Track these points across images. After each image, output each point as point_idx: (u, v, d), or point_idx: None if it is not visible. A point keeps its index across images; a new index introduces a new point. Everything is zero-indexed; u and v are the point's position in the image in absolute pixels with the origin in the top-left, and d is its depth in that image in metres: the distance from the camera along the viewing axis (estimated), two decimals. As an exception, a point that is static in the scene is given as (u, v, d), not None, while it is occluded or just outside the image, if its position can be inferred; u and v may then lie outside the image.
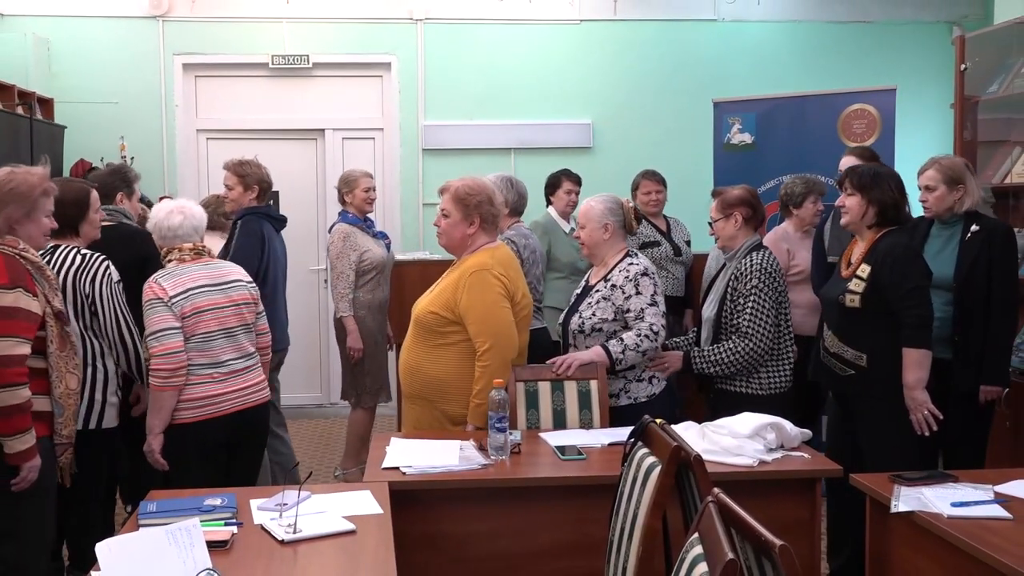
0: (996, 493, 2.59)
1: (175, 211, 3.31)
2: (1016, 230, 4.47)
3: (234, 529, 2.33)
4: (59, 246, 3.28)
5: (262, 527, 2.38)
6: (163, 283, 3.15)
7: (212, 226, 4.53)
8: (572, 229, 5.35)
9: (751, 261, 3.54)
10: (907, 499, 2.57)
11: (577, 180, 5.34)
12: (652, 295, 3.48)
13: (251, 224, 4.43)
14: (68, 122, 6.62)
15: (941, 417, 3.25)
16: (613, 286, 3.51)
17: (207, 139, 7.17)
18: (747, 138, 5.65)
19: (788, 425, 3.02)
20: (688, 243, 5.25)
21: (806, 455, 2.99)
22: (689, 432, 3.00)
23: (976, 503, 2.51)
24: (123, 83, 6.89)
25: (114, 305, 3.29)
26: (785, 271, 4.30)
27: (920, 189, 3.72)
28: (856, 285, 3.30)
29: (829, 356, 3.46)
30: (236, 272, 3.41)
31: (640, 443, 2.41)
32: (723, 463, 2.86)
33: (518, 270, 3.52)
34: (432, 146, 7.11)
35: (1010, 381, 3.94)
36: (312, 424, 6.73)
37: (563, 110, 7.16)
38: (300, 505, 2.45)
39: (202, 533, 2.03)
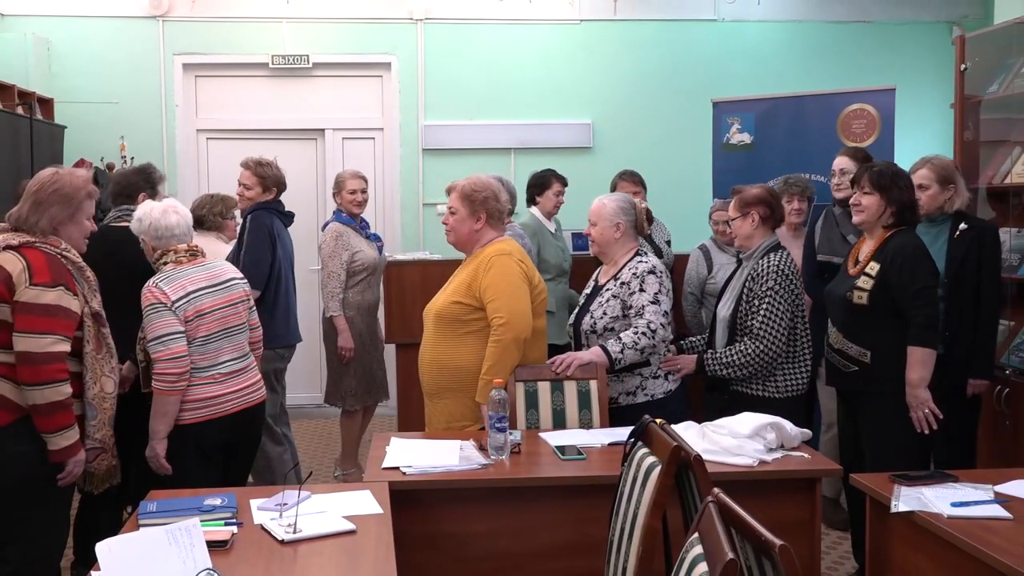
0: (996, 493, 2.59)
1: (169, 210, 3.25)
2: (1016, 230, 4.49)
3: (234, 529, 2.33)
4: None
5: (262, 527, 2.38)
6: (164, 287, 3.10)
7: (209, 226, 4.54)
8: (557, 229, 5.36)
9: (768, 262, 3.53)
10: (907, 499, 2.57)
11: (564, 182, 5.33)
12: (655, 293, 3.48)
13: (261, 219, 4.46)
14: (68, 122, 6.62)
15: (941, 416, 3.27)
16: (622, 284, 3.53)
17: (207, 139, 7.17)
18: (746, 138, 5.64)
19: (788, 425, 3.02)
20: (668, 243, 5.23)
21: (806, 455, 2.99)
22: (689, 432, 3.00)
23: (976, 503, 2.51)
24: (123, 83, 6.90)
25: None
26: None
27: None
28: (864, 283, 3.33)
29: (833, 352, 3.48)
30: (230, 270, 3.39)
31: (640, 443, 2.41)
32: (723, 463, 2.86)
33: (530, 260, 3.60)
34: (432, 146, 7.11)
35: (1002, 377, 4.05)
36: (312, 424, 6.73)
37: (563, 110, 7.16)
38: (300, 505, 2.45)
39: (202, 533, 2.04)
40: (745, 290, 3.56)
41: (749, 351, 3.48)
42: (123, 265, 3.40)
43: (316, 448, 6.15)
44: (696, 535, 1.67)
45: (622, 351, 3.41)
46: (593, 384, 3.44)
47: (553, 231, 5.24)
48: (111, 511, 3.65)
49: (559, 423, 3.41)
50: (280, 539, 2.29)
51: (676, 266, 5.16)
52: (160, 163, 6.82)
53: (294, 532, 2.31)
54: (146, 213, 3.25)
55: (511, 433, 3.02)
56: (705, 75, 7.04)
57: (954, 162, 3.91)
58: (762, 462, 2.88)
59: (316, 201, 7.15)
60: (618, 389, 3.53)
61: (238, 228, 4.78)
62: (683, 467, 2.21)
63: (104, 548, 1.91)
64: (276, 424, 4.59)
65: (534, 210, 5.27)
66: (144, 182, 3.91)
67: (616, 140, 7.12)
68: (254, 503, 2.55)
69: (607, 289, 3.59)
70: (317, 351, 7.15)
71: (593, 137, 7.15)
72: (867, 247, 3.46)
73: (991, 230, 3.83)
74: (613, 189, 5.25)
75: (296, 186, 7.09)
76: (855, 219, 3.46)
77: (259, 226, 4.44)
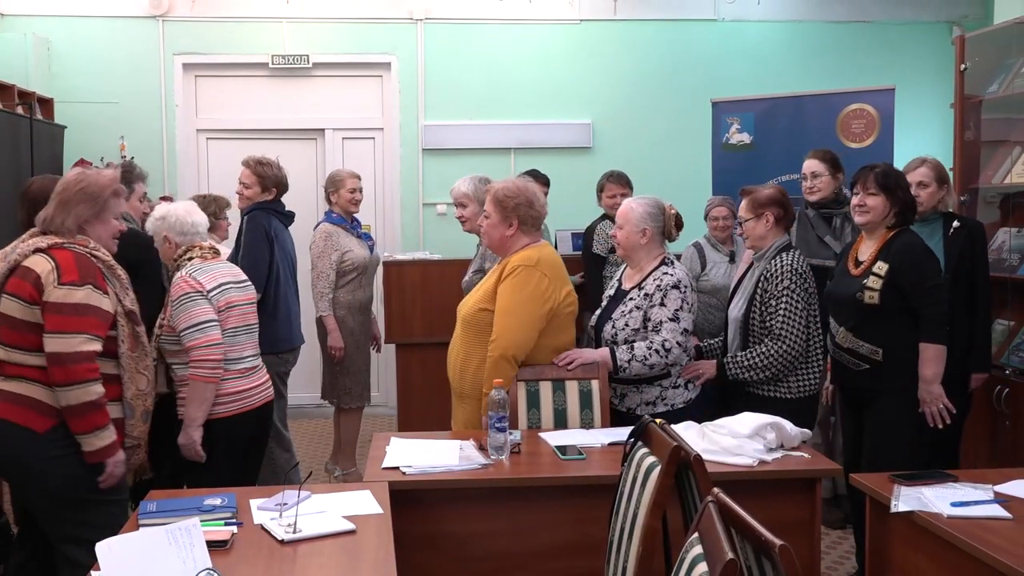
0: (996, 493, 2.59)
1: (192, 210, 3.40)
2: (1016, 230, 4.50)
3: (234, 529, 2.33)
4: None
5: (262, 527, 2.38)
6: (198, 277, 3.21)
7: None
8: (543, 230, 5.34)
9: (781, 262, 3.53)
10: (907, 499, 2.57)
11: (546, 182, 5.31)
12: (676, 310, 3.44)
13: (257, 220, 4.45)
14: (68, 122, 6.62)
15: (954, 411, 3.36)
16: (646, 295, 3.50)
17: (207, 139, 7.17)
18: (746, 138, 5.64)
19: (788, 425, 3.02)
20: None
21: (806, 455, 2.99)
22: (689, 432, 3.00)
23: (976, 503, 2.51)
24: (123, 83, 6.89)
25: None
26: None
27: (912, 185, 3.77)
28: (874, 282, 3.36)
29: (842, 352, 3.49)
30: (243, 272, 3.52)
31: (640, 443, 2.41)
32: (723, 463, 2.86)
33: (562, 267, 3.53)
34: (432, 146, 7.11)
35: (1002, 377, 4.13)
36: (312, 424, 6.74)
37: (563, 110, 7.16)
38: (300, 505, 2.45)
39: (202, 533, 2.04)
40: (759, 290, 3.56)
41: (772, 352, 3.48)
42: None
43: (316, 448, 6.15)
44: (696, 535, 1.67)
45: (629, 361, 3.39)
46: (594, 384, 3.43)
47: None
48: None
49: (560, 423, 3.41)
50: (280, 539, 2.30)
51: None
52: (160, 163, 6.88)
53: (294, 532, 2.31)
54: (170, 211, 3.38)
55: (511, 433, 3.02)
56: (705, 75, 7.04)
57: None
58: (762, 462, 2.88)
59: (316, 201, 7.13)
60: (637, 399, 3.50)
61: (230, 228, 4.79)
62: (683, 467, 2.21)
63: (104, 548, 1.92)
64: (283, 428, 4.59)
65: None
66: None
67: (616, 140, 7.12)
68: (254, 503, 2.55)
69: (631, 298, 3.54)
70: (317, 351, 7.13)
71: (593, 137, 7.15)
72: (867, 247, 3.48)
73: (980, 227, 3.97)
74: (600, 190, 5.24)
75: (296, 186, 7.04)
76: (859, 220, 3.48)
77: (256, 227, 4.43)
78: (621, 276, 3.72)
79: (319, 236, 5.06)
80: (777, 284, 3.50)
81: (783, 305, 3.48)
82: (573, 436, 3.21)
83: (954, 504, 2.50)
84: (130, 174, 4.02)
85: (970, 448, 4.19)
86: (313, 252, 5.06)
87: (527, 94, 7.13)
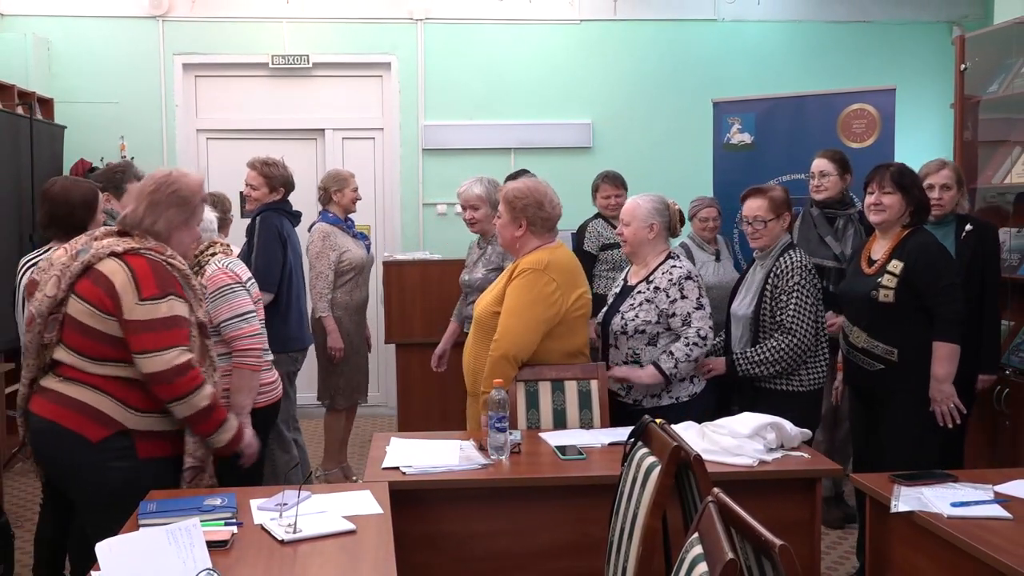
0: (996, 493, 2.59)
1: (207, 208, 3.39)
2: (1016, 230, 4.50)
3: (234, 529, 2.33)
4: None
5: (262, 527, 2.38)
6: (234, 269, 3.21)
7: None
8: None
9: (790, 259, 3.57)
10: (907, 499, 2.57)
11: None
12: (697, 298, 3.49)
13: (270, 220, 4.47)
14: (68, 122, 6.62)
15: (965, 411, 3.37)
16: (656, 288, 3.52)
17: (207, 139, 7.17)
18: (746, 138, 5.64)
19: (788, 425, 3.02)
20: None
21: (806, 455, 2.99)
22: (689, 432, 3.00)
23: (976, 503, 2.51)
24: (123, 83, 6.89)
25: None
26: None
27: (936, 188, 3.81)
28: (889, 281, 3.38)
29: (855, 352, 3.51)
30: (256, 273, 3.58)
31: (640, 443, 2.41)
32: (723, 463, 2.86)
33: (575, 270, 3.52)
34: (432, 146, 7.11)
35: (1002, 377, 4.12)
36: (312, 424, 6.72)
37: (563, 110, 7.16)
38: (300, 505, 2.45)
39: (202, 533, 2.04)
40: (768, 287, 3.58)
41: (782, 346, 3.50)
42: None
43: (316, 448, 6.13)
44: (696, 535, 1.67)
45: (675, 365, 3.43)
46: (594, 384, 3.43)
47: None
48: None
49: (560, 423, 3.41)
50: (280, 539, 2.29)
51: None
52: (160, 163, 6.86)
53: (294, 532, 2.31)
54: None
55: (511, 433, 3.02)
56: (705, 75, 7.04)
57: None
58: (762, 462, 2.88)
59: (316, 202, 7.13)
60: (642, 391, 3.52)
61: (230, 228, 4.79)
62: (683, 467, 2.21)
63: (104, 548, 1.91)
64: (287, 429, 4.58)
65: None
66: (108, 182, 3.98)
67: (616, 140, 7.12)
68: (254, 503, 2.54)
69: (639, 292, 3.56)
70: (314, 351, 7.17)
71: (593, 137, 7.15)
72: (881, 246, 3.50)
73: (992, 230, 3.95)
74: (595, 191, 5.24)
75: (296, 186, 7.10)
76: (874, 218, 3.49)
77: (269, 227, 4.45)
78: (626, 275, 3.74)
79: (317, 236, 5.06)
80: (788, 280, 3.53)
81: (794, 300, 3.51)
82: (573, 436, 3.21)
83: (954, 504, 2.50)
84: (123, 175, 4.02)
85: (970, 448, 4.19)
86: (311, 252, 5.06)
87: (527, 94, 7.13)
